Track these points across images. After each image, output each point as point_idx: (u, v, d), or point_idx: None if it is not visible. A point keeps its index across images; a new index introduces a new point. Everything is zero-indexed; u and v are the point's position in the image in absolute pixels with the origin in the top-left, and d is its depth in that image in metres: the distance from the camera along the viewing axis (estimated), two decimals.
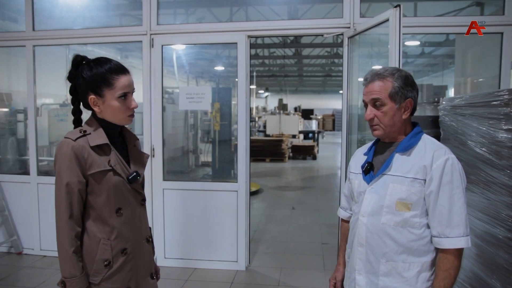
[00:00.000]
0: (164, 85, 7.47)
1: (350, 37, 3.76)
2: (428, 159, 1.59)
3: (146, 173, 4.23)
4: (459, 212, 1.56)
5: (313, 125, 17.48)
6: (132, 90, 1.67)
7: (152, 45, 4.15)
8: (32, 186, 4.53)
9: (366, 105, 1.70)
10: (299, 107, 24.33)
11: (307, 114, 21.18)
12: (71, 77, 1.65)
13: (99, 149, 1.62)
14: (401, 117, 1.66)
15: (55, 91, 8.14)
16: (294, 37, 12.20)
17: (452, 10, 4.29)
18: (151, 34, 4.13)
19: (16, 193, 4.58)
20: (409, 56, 13.24)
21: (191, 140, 8.21)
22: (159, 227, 4.27)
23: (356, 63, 3.86)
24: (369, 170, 1.73)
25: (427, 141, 1.67)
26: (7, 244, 4.56)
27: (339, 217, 2.10)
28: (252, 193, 8.23)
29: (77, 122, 1.72)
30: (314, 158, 13.62)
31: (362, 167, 1.76)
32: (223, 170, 10.00)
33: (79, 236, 1.60)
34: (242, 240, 4.16)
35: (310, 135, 16.60)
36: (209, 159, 8.58)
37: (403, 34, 2.93)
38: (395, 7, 2.91)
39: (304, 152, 13.61)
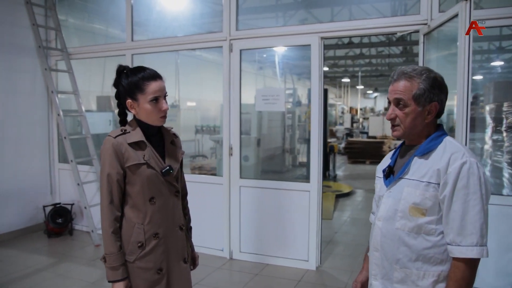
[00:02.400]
0: (268, 86, 7.61)
1: (425, 34, 3.56)
2: (444, 162, 1.51)
3: (224, 170, 4.52)
4: (474, 220, 1.46)
5: None
6: (164, 94, 1.87)
7: (231, 49, 4.40)
8: None
9: (390, 104, 1.67)
10: None
11: None
12: (115, 84, 1.91)
13: (136, 145, 1.85)
14: (424, 120, 1.59)
15: (168, 93, 8.94)
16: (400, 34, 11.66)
17: None
18: (230, 40, 4.39)
19: None
20: None
21: (288, 140, 8.36)
22: (236, 222, 4.51)
23: (434, 63, 3.64)
24: (389, 174, 1.70)
25: (447, 144, 1.57)
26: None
27: None
28: (344, 195, 8.12)
29: (123, 122, 1.97)
30: None
31: (384, 171, 1.74)
32: None
33: (119, 220, 1.86)
34: (313, 240, 4.19)
35: None
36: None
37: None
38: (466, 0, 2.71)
39: None
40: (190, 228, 2.21)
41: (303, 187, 4.24)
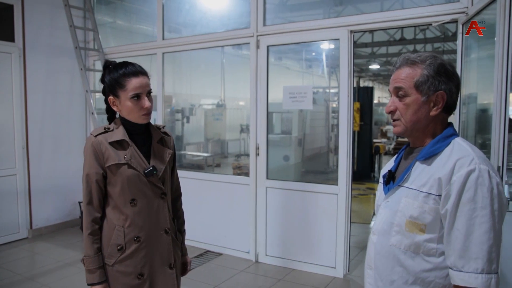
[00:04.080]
0: (315, 84, 7.44)
1: (464, 24, 3.22)
2: (447, 169, 1.26)
3: (251, 171, 4.39)
4: (480, 241, 1.20)
5: None
6: (146, 91, 1.76)
7: (258, 46, 4.25)
8: None
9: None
10: None
11: None
12: (102, 79, 1.84)
13: (118, 144, 1.77)
14: (428, 113, 1.34)
15: (213, 92, 8.98)
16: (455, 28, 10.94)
17: None
18: (257, 36, 4.25)
19: None
20: None
21: (333, 140, 8.09)
22: (262, 224, 4.36)
23: (475, 56, 3.29)
24: (389, 180, 1.47)
25: (455, 147, 1.31)
26: None
27: None
28: None
29: (111, 119, 1.90)
30: None
31: (384, 176, 1.51)
32: (361, 172, 9.63)
33: (98, 221, 1.78)
34: (341, 246, 3.96)
35: None
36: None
37: None
38: None
39: None
40: (184, 231, 2.10)
41: (331, 190, 4.01)
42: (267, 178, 4.36)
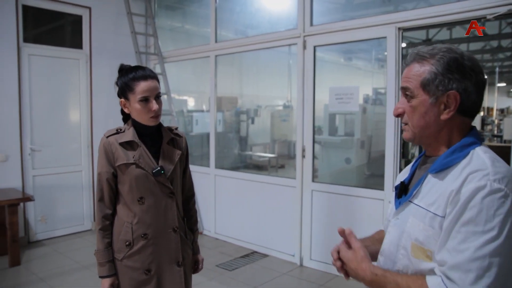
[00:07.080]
0: (377, 85, 7.26)
1: None
2: (456, 186, 1.05)
3: (297, 173, 4.34)
4: (474, 257, 0.99)
5: None
6: (154, 95, 1.83)
7: (305, 46, 4.20)
8: (210, 177, 5.25)
9: None
10: None
11: None
12: (117, 83, 1.94)
13: (128, 145, 1.86)
14: (438, 117, 1.14)
15: (280, 93, 9.03)
16: None
17: None
18: (304, 36, 4.19)
19: (201, 181, 5.29)
20: None
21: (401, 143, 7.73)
22: (307, 228, 4.30)
23: None
24: (401, 193, 1.27)
25: (473, 159, 1.09)
26: None
27: None
28: None
29: (125, 121, 2.00)
30: None
31: (397, 188, 1.31)
32: None
33: (109, 217, 1.89)
34: None
35: None
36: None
37: None
38: None
39: None
40: (196, 230, 2.14)
41: (376, 195, 3.84)
42: (313, 181, 4.28)
